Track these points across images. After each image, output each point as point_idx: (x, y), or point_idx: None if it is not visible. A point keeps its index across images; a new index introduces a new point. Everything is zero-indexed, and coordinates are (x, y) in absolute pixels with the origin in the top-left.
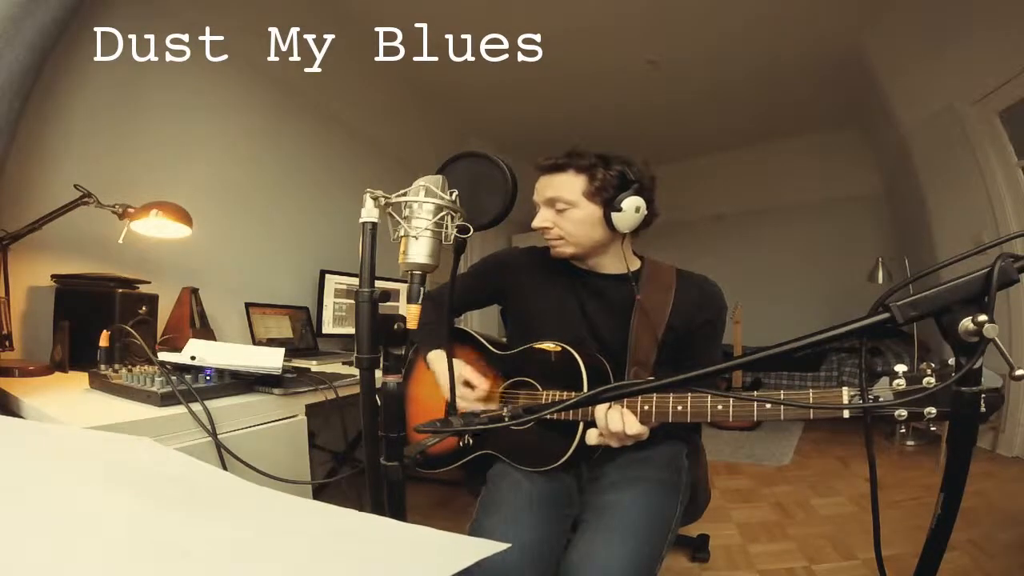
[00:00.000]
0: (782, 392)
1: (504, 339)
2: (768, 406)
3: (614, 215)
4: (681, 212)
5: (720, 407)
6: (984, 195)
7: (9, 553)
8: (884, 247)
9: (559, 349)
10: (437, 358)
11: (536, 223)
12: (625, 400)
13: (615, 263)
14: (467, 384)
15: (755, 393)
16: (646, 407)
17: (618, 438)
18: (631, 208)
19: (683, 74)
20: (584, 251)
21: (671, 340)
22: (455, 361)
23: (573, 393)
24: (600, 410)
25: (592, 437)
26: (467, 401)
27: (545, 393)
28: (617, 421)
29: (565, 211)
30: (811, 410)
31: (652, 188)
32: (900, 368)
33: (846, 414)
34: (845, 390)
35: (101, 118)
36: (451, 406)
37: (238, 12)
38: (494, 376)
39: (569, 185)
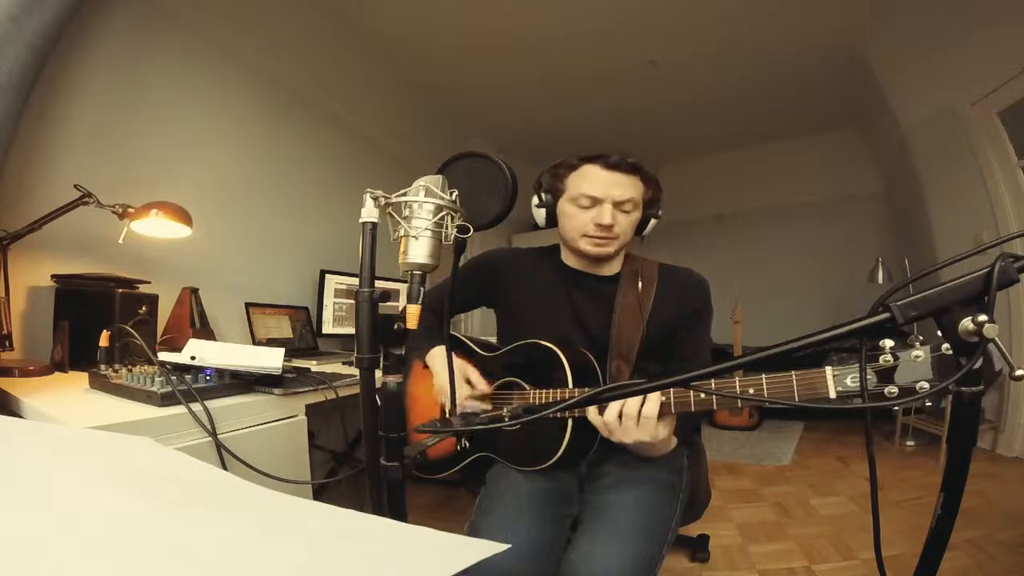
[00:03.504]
0: (764, 377)
1: (494, 340)
2: (751, 391)
3: (652, 221)
4: (681, 212)
5: (702, 395)
6: (984, 195)
7: (9, 553)
8: (884, 247)
9: (544, 347)
10: (437, 357)
11: (607, 220)
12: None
13: (613, 266)
14: (467, 381)
15: (737, 379)
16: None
17: (609, 428)
18: (659, 219)
19: (684, 74)
20: (619, 251)
21: (656, 333)
22: (457, 360)
23: (562, 391)
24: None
25: (591, 413)
26: (462, 399)
27: (533, 392)
28: (612, 411)
29: (629, 213)
30: (795, 390)
31: None
32: (886, 343)
33: (832, 392)
34: (829, 370)
35: (101, 118)
36: (451, 406)
37: (238, 12)
38: (484, 379)
39: (637, 188)
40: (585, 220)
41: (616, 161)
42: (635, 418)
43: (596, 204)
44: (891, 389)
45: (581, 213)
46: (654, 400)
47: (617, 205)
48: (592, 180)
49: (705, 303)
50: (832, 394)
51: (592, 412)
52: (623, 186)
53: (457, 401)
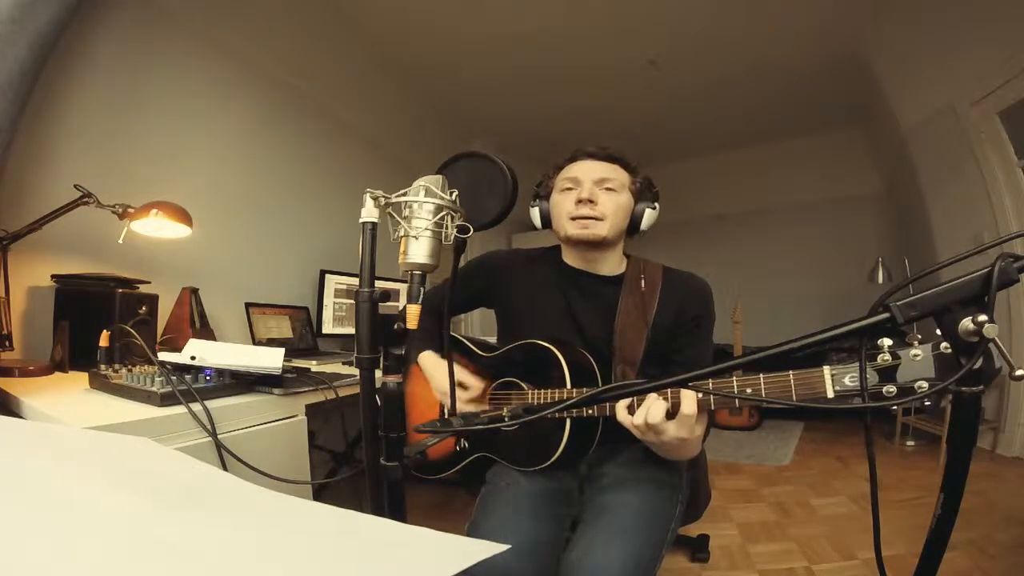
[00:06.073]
0: (761, 376)
1: (493, 340)
2: (749, 391)
3: (648, 212)
4: (681, 212)
5: (700, 395)
6: (984, 195)
7: (9, 553)
8: (884, 247)
9: (542, 348)
10: (428, 359)
11: (585, 195)
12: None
13: (612, 264)
14: (461, 385)
15: (735, 379)
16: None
17: (640, 431)
18: (655, 210)
19: (683, 74)
20: (612, 238)
21: (659, 338)
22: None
23: (560, 392)
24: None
25: (621, 410)
26: (459, 402)
27: (532, 392)
28: (656, 414)
29: (612, 192)
30: (793, 390)
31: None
32: (884, 342)
33: (830, 392)
34: (826, 369)
35: (101, 118)
36: (451, 407)
37: (238, 12)
38: (482, 379)
39: (618, 173)
40: (568, 201)
41: (592, 151)
42: (661, 421)
43: (577, 185)
44: (889, 388)
45: (564, 197)
46: (691, 399)
47: (597, 183)
48: (572, 168)
49: (707, 308)
50: (830, 393)
51: (623, 414)
52: (602, 170)
53: (457, 406)
